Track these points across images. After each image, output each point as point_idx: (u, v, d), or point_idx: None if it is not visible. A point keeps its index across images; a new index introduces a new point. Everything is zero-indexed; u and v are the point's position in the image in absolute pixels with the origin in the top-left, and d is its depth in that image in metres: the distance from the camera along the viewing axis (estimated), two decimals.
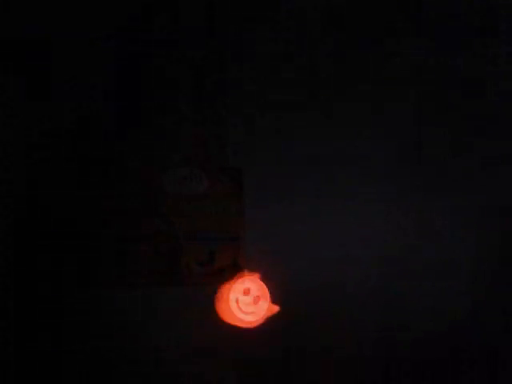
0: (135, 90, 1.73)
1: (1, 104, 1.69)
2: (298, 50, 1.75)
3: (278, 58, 1.75)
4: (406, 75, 1.77)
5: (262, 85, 1.74)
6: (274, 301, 1.66)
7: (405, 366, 1.73)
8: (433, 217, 1.76)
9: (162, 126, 1.72)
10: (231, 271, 1.68)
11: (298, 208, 1.73)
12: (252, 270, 1.68)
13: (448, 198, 1.76)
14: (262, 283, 1.65)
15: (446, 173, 1.77)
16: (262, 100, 1.74)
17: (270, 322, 1.65)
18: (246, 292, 1.65)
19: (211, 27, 1.75)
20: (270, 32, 1.75)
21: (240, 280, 1.65)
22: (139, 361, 1.68)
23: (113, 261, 1.68)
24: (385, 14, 1.76)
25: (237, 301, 1.64)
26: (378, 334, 1.73)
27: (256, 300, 1.64)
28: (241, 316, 1.64)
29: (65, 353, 1.67)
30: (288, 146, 1.74)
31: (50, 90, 1.71)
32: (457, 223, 1.76)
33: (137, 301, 1.66)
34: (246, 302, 1.64)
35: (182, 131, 1.73)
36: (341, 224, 1.73)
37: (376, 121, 1.77)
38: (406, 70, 1.76)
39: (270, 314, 1.64)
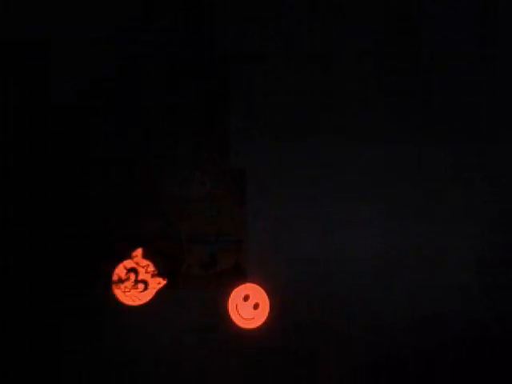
0: (135, 90, 1.73)
1: (1, 105, 1.70)
2: (298, 51, 1.75)
3: (278, 59, 1.75)
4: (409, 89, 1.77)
5: (263, 86, 1.74)
6: (273, 303, 1.66)
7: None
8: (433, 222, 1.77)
9: (162, 126, 1.72)
10: (233, 274, 1.68)
11: (299, 210, 1.73)
12: (253, 271, 1.68)
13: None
14: (262, 290, 1.65)
15: (446, 178, 1.77)
16: (263, 101, 1.74)
17: (271, 323, 1.65)
18: (246, 298, 1.65)
19: (211, 27, 1.74)
20: (271, 32, 1.75)
21: (240, 287, 1.65)
22: (140, 361, 1.68)
23: (115, 262, 1.68)
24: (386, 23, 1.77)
25: (237, 307, 1.64)
26: (376, 333, 1.73)
27: (255, 306, 1.64)
28: (242, 323, 1.64)
29: (65, 353, 1.68)
30: (290, 148, 1.73)
31: (50, 90, 1.71)
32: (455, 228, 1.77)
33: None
34: (245, 308, 1.64)
35: (183, 133, 1.73)
36: (341, 226, 1.73)
37: (377, 121, 1.77)
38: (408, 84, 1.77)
39: None
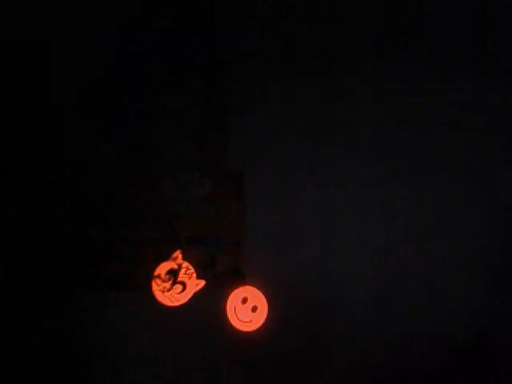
0: (135, 90, 1.73)
1: (1, 105, 1.70)
2: (298, 51, 1.75)
3: (278, 58, 1.75)
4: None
5: (262, 86, 1.74)
6: (270, 305, 1.66)
7: (405, 367, 1.74)
8: (437, 212, 1.76)
9: (162, 127, 1.73)
10: (232, 275, 1.68)
11: (298, 212, 1.73)
12: (252, 274, 1.68)
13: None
14: (260, 292, 1.65)
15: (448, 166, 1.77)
16: (263, 102, 1.74)
17: (270, 326, 1.65)
18: (244, 301, 1.65)
19: (211, 27, 1.74)
20: (271, 32, 1.75)
21: (238, 289, 1.65)
22: (140, 362, 1.69)
23: (116, 265, 1.69)
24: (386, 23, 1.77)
25: (235, 309, 1.64)
26: (377, 337, 1.73)
27: (254, 309, 1.64)
28: (240, 326, 1.64)
29: (65, 353, 1.68)
30: (288, 150, 1.73)
31: (50, 90, 1.72)
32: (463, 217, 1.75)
33: (139, 304, 1.67)
34: (243, 310, 1.64)
35: (183, 133, 1.73)
36: (341, 227, 1.73)
37: (377, 121, 1.76)
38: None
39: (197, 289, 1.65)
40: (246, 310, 1.64)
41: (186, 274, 1.65)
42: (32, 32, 1.70)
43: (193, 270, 1.65)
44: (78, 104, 1.72)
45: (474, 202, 1.75)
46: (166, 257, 1.66)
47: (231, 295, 1.64)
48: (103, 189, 1.71)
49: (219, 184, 1.71)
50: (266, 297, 1.65)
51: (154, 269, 1.65)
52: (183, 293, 1.64)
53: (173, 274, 1.65)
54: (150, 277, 1.65)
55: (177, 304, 1.63)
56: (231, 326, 1.64)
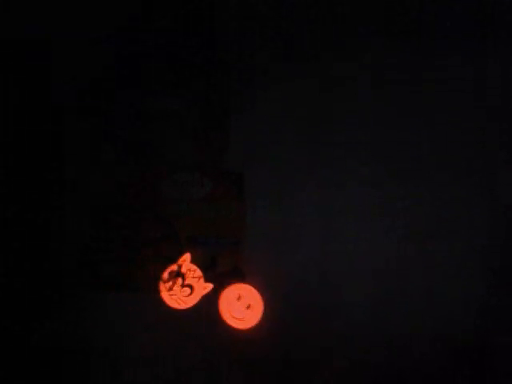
0: (135, 91, 1.73)
1: (1, 105, 1.70)
2: (298, 51, 1.75)
3: (278, 59, 1.75)
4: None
5: (262, 86, 1.74)
6: (269, 305, 1.66)
7: (404, 368, 1.74)
8: (437, 212, 1.75)
9: (162, 127, 1.73)
10: (232, 275, 1.69)
11: (297, 212, 1.73)
12: (252, 274, 1.68)
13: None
14: (254, 290, 1.65)
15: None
16: (263, 102, 1.74)
17: (270, 326, 1.65)
18: (239, 298, 1.65)
19: (211, 27, 1.74)
20: (271, 32, 1.75)
21: (232, 287, 1.65)
22: (140, 362, 1.69)
23: (116, 265, 1.69)
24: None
25: (228, 306, 1.64)
26: (377, 337, 1.73)
27: (248, 306, 1.64)
28: (233, 322, 1.65)
29: (65, 353, 1.68)
30: (288, 150, 1.73)
31: (50, 90, 1.72)
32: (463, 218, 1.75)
33: (139, 304, 1.67)
34: (237, 308, 1.64)
35: (183, 133, 1.73)
36: (341, 228, 1.73)
37: (377, 121, 1.76)
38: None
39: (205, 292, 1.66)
40: (240, 307, 1.64)
41: (193, 277, 1.65)
42: (32, 32, 1.70)
43: (201, 274, 1.65)
44: (78, 104, 1.72)
45: (474, 201, 1.75)
46: (168, 258, 1.66)
47: (224, 292, 1.65)
48: (103, 189, 1.71)
49: (219, 184, 1.71)
50: (266, 296, 1.65)
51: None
52: (191, 296, 1.64)
53: (180, 277, 1.65)
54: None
55: (184, 307, 1.64)
56: (224, 322, 1.64)
